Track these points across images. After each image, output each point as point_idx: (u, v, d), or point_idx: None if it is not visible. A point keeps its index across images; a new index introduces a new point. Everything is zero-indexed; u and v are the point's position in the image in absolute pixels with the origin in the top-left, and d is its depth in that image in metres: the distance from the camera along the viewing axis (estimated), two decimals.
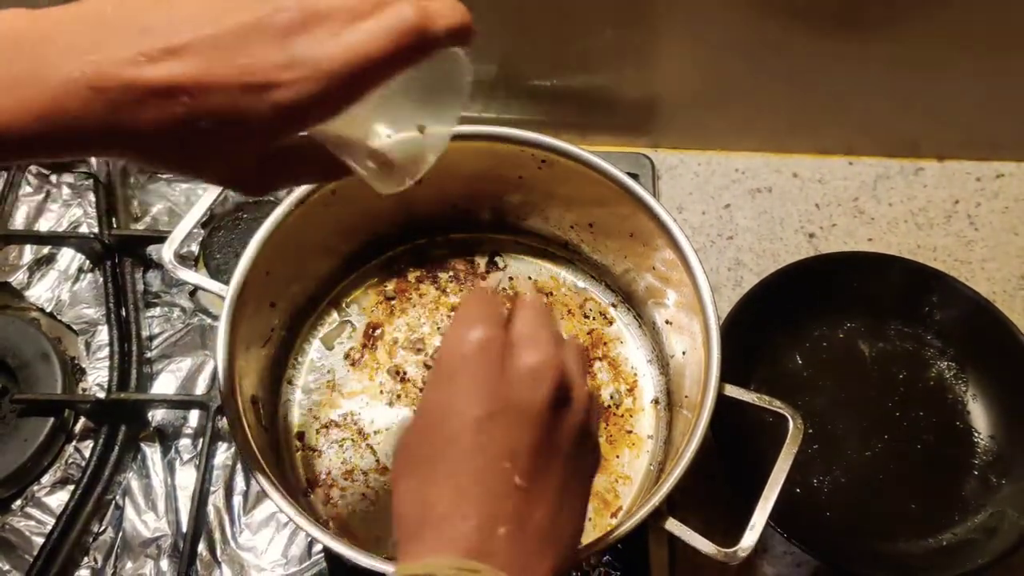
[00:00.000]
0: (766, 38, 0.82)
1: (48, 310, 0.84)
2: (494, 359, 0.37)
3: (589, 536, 0.70)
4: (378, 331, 0.80)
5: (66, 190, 0.91)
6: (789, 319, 0.80)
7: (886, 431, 0.77)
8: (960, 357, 0.79)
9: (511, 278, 0.83)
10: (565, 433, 0.39)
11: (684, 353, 0.72)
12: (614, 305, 0.81)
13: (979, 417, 0.77)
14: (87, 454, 0.76)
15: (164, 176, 0.92)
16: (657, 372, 0.78)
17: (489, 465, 0.36)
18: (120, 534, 0.74)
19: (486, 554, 0.35)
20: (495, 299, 0.41)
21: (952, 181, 0.93)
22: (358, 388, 0.77)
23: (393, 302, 0.81)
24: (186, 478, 0.76)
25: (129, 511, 0.75)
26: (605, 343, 0.80)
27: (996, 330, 0.77)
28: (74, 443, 0.78)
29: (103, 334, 0.82)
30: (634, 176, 0.72)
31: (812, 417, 0.77)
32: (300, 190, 0.69)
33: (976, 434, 0.77)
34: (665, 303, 0.75)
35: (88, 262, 0.87)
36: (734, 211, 0.91)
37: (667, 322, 0.75)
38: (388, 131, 0.46)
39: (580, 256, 0.82)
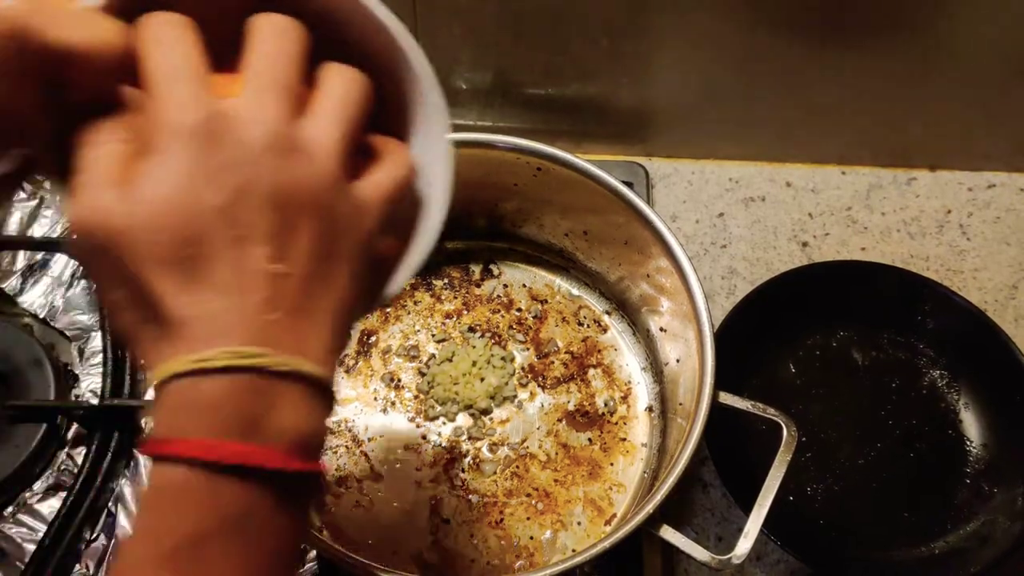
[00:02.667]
0: (760, 49, 0.83)
1: (41, 316, 0.84)
2: (224, 142, 0.33)
3: (583, 543, 0.70)
4: (372, 338, 0.80)
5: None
6: (782, 328, 0.81)
7: (879, 439, 0.77)
8: (952, 366, 0.80)
9: (506, 286, 0.83)
10: (308, 207, 0.35)
11: (678, 361, 0.72)
12: (608, 313, 0.82)
13: (971, 426, 0.78)
14: (80, 461, 0.75)
15: None
16: (651, 380, 0.78)
17: (244, 257, 0.33)
18: (113, 541, 0.73)
19: (261, 340, 0.33)
20: (200, 64, 0.35)
21: (944, 191, 0.93)
22: (352, 395, 0.77)
23: (388, 309, 0.81)
24: None
25: (122, 518, 0.74)
26: (599, 351, 0.80)
27: (988, 339, 0.77)
28: (66, 450, 0.77)
29: (96, 340, 0.82)
30: (628, 184, 0.72)
31: (805, 425, 0.77)
32: None
33: (968, 442, 0.77)
34: (659, 311, 0.75)
35: (82, 268, 0.86)
36: (728, 220, 0.91)
37: (661, 330, 0.76)
38: None
39: (575, 264, 0.82)
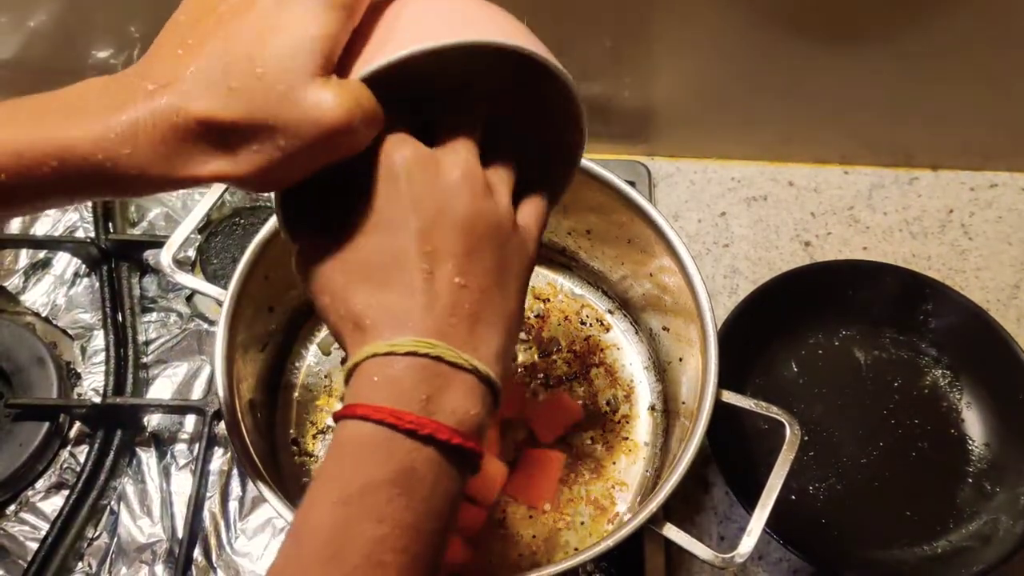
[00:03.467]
0: (762, 48, 0.83)
1: (44, 315, 0.84)
2: (427, 176, 0.42)
3: (586, 541, 0.70)
4: None
5: (59, 204, 0.90)
6: (785, 327, 0.81)
7: (881, 439, 0.77)
8: (954, 365, 0.80)
9: None
10: (490, 234, 0.44)
11: (681, 360, 0.72)
12: (611, 312, 0.82)
13: (973, 425, 0.78)
14: (82, 459, 0.76)
15: None
16: (654, 379, 0.78)
17: (435, 269, 0.41)
18: (115, 539, 0.73)
19: (441, 336, 0.41)
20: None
21: (946, 191, 0.93)
22: None
23: None
24: (182, 483, 0.76)
25: (124, 516, 0.74)
26: (602, 349, 0.80)
27: (990, 339, 0.77)
28: (69, 448, 0.77)
29: (99, 339, 0.82)
30: (630, 184, 0.72)
31: (808, 424, 0.77)
32: None
33: (970, 442, 0.77)
34: (662, 310, 0.75)
35: (84, 267, 0.86)
36: (730, 219, 0.92)
37: (664, 329, 0.76)
38: None
39: (577, 262, 0.82)
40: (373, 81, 0.41)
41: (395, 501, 0.39)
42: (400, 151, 0.42)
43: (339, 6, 0.40)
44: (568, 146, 0.51)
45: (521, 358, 0.79)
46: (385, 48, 0.41)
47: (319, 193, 0.45)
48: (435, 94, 0.47)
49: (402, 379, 0.40)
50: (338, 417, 0.41)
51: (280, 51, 0.38)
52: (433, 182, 0.42)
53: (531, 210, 0.48)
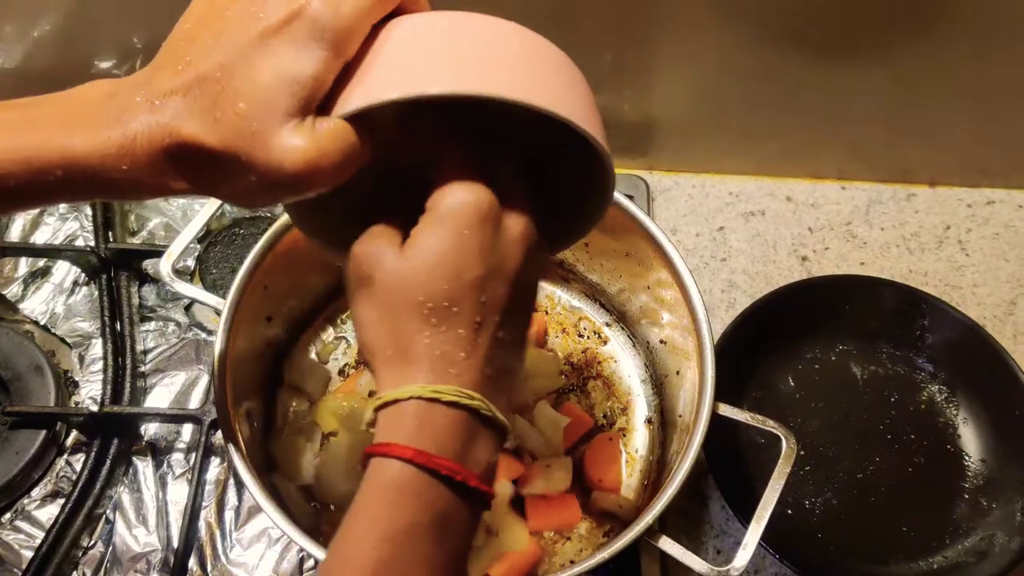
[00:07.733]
0: (761, 64, 0.83)
1: (42, 323, 0.84)
2: (493, 228, 0.43)
3: (582, 554, 0.70)
4: None
5: (62, 203, 0.91)
6: (782, 341, 0.81)
7: (878, 454, 0.77)
8: (951, 381, 0.80)
9: None
10: (530, 290, 0.46)
11: (678, 373, 0.72)
12: (608, 324, 0.82)
13: (970, 441, 0.78)
14: (78, 468, 0.76)
15: None
16: (651, 392, 0.78)
17: (484, 320, 0.43)
18: (110, 549, 0.73)
19: (477, 388, 0.43)
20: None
21: (943, 207, 0.94)
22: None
23: None
24: (178, 493, 0.76)
25: (120, 526, 0.74)
26: (599, 362, 0.80)
27: (987, 355, 0.77)
28: (65, 456, 0.77)
29: (97, 347, 0.82)
30: (629, 197, 0.72)
31: (804, 439, 0.77)
32: None
33: (967, 458, 0.77)
34: (659, 323, 0.75)
35: (83, 275, 0.87)
36: (728, 234, 0.92)
37: (661, 342, 0.76)
38: None
39: (575, 275, 0.83)
40: (386, 107, 0.39)
41: (435, 543, 0.41)
42: (470, 195, 0.42)
43: (326, 45, 0.39)
44: (587, 204, 0.49)
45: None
46: (399, 78, 0.39)
47: (364, 200, 0.46)
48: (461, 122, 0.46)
49: (443, 428, 0.42)
50: (376, 453, 0.42)
51: (259, 91, 0.38)
52: (497, 235, 0.43)
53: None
